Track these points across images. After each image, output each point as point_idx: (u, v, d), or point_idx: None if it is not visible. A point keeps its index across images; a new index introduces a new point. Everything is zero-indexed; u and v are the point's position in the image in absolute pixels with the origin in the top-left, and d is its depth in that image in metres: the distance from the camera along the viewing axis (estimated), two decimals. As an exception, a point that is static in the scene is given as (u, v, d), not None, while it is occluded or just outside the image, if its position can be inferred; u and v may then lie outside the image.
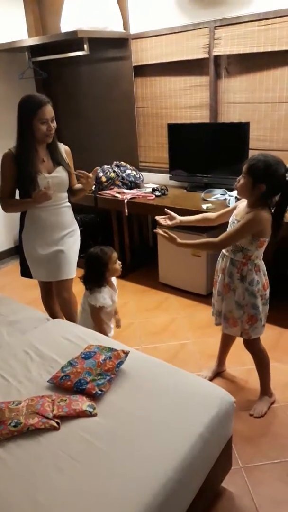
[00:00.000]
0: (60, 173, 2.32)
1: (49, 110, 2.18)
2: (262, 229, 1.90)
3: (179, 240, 1.98)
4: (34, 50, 3.95)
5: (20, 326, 2.16)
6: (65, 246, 2.41)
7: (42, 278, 2.51)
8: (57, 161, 2.32)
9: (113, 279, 2.39)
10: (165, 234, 1.98)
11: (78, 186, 2.48)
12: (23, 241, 2.46)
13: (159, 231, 2.01)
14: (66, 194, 2.41)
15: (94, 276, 2.25)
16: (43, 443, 1.42)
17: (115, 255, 2.29)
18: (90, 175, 2.34)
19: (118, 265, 2.31)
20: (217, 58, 3.22)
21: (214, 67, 3.24)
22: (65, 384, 1.67)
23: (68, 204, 2.45)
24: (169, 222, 2.16)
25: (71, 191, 2.46)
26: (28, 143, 2.21)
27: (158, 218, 2.17)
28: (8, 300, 2.49)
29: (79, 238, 2.55)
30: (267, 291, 2.07)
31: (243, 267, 1.99)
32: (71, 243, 2.45)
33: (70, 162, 2.43)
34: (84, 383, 1.64)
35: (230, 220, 2.05)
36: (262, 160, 1.84)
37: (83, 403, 1.55)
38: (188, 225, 2.25)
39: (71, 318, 2.48)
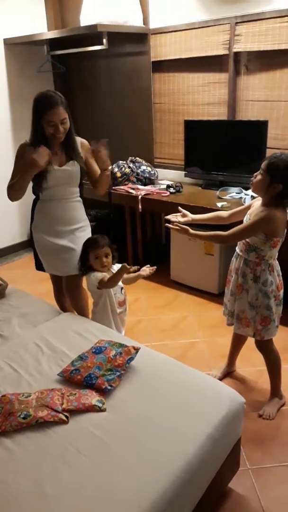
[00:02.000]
0: (71, 167, 2.27)
1: (58, 113, 2.11)
2: (274, 229, 1.87)
3: (191, 231, 1.99)
4: (53, 43, 3.95)
5: (31, 319, 2.17)
6: (75, 241, 2.38)
7: (53, 271, 2.50)
8: (70, 155, 2.28)
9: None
10: (177, 227, 1.99)
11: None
12: (33, 234, 2.46)
13: (170, 225, 2.02)
14: (77, 189, 2.37)
15: (82, 259, 2.25)
16: (51, 436, 1.42)
17: (101, 251, 2.17)
18: (100, 149, 2.22)
19: (101, 263, 2.17)
20: (237, 54, 3.18)
21: (233, 64, 3.20)
22: (75, 378, 1.67)
23: (79, 199, 2.41)
24: (180, 219, 2.15)
25: (94, 183, 2.41)
26: (39, 138, 2.19)
27: (169, 216, 2.16)
28: (21, 292, 2.51)
29: (90, 234, 2.51)
30: (281, 292, 2.04)
31: (256, 267, 1.97)
32: (81, 238, 2.42)
33: (89, 157, 2.36)
34: (94, 378, 1.64)
35: (245, 219, 2.03)
36: (284, 159, 1.81)
37: (92, 398, 1.55)
38: (201, 223, 2.23)
39: (81, 313, 2.48)
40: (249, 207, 2.06)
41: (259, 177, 1.87)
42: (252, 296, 2.00)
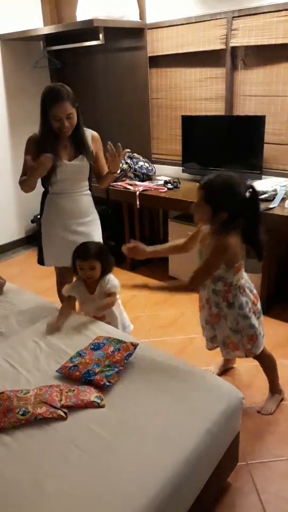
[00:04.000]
0: (80, 162, 2.28)
1: (63, 108, 2.10)
2: (233, 256, 1.75)
3: (151, 284, 1.92)
4: (49, 39, 3.93)
5: (30, 316, 2.16)
6: (86, 234, 2.41)
7: (61, 264, 2.47)
8: (80, 150, 2.28)
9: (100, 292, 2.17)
10: (134, 286, 1.84)
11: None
12: (42, 226, 2.47)
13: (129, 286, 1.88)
14: (86, 183, 2.39)
15: (73, 263, 2.15)
16: (50, 432, 1.42)
17: (86, 264, 2.07)
18: (117, 154, 2.24)
19: (85, 275, 2.09)
20: (234, 49, 3.17)
21: (230, 59, 3.19)
22: (73, 374, 1.67)
23: (88, 192, 2.43)
24: (138, 257, 2.03)
25: (99, 178, 2.44)
26: (47, 131, 2.19)
27: (124, 248, 2.01)
28: (19, 290, 2.50)
29: (100, 227, 2.54)
30: (258, 303, 1.95)
31: (227, 295, 1.86)
32: (92, 231, 2.45)
33: (99, 148, 2.38)
34: (93, 374, 1.64)
35: (198, 248, 1.90)
36: (221, 183, 1.65)
37: (91, 394, 1.55)
38: (159, 256, 2.17)
39: None
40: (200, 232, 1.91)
41: (199, 208, 1.70)
42: (232, 322, 1.89)
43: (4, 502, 1.21)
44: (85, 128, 2.32)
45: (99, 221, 2.53)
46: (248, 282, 1.93)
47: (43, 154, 2.10)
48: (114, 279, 2.17)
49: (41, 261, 2.54)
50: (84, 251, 2.10)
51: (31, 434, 1.42)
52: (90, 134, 2.35)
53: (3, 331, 2.06)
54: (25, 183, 2.21)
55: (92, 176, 2.43)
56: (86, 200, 2.42)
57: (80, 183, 2.35)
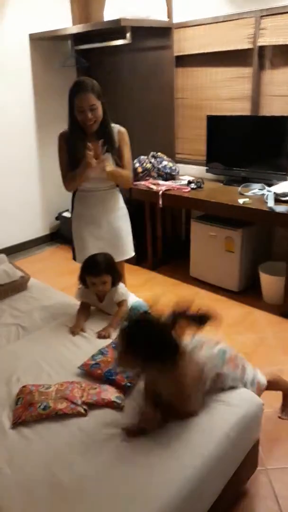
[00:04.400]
0: (106, 160, 2.25)
1: (86, 99, 2.10)
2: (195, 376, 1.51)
3: None
4: (77, 38, 3.97)
5: (53, 312, 2.20)
6: (115, 230, 2.44)
7: None
8: (106, 147, 2.25)
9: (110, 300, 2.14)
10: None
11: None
12: (72, 223, 2.51)
13: None
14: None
15: (81, 275, 2.12)
16: (70, 428, 1.44)
17: (98, 279, 2.03)
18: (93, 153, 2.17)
19: (97, 290, 2.07)
20: (261, 49, 3.13)
21: (258, 58, 3.15)
22: (95, 372, 1.68)
23: (116, 188, 2.44)
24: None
25: None
26: (73, 126, 2.22)
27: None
28: (42, 285, 2.54)
29: (129, 223, 2.55)
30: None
31: None
32: (120, 227, 2.48)
33: (122, 143, 2.35)
34: (114, 374, 1.65)
35: None
36: (141, 333, 1.38)
37: (112, 394, 1.56)
38: None
39: None
40: None
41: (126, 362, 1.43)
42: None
43: (22, 493, 1.23)
44: (113, 125, 2.31)
45: (128, 217, 2.54)
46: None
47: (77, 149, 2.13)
48: (121, 287, 2.15)
49: (75, 257, 2.57)
50: (94, 266, 2.06)
51: (51, 429, 1.44)
52: (117, 129, 2.33)
53: (27, 325, 2.10)
54: (72, 182, 2.29)
55: None
56: (114, 196, 2.44)
57: (107, 180, 2.35)
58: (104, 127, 2.24)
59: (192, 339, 1.72)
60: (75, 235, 2.52)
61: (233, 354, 1.66)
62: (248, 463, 1.64)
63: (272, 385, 1.86)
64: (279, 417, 2.07)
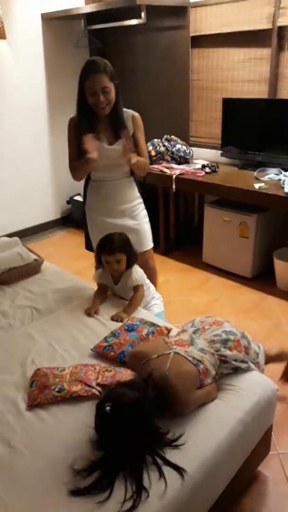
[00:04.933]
0: (119, 146, 2.12)
1: (99, 80, 1.98)
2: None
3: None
4: (90, 18, 3.89)
5: (66, 295, 2.20)
6: (130, 220, 2.34)
7: None
8: (119, 133, 2.13)
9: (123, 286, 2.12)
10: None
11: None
12: (86, 213, 2.42)
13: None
14: (126, 168, 2.26)
15: (97, 255, 2.12)
16: (85, 410, 1.44)
17: (112, 258, 2.02)
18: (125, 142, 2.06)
19: (112, 269, 2.05)
20: (281, 29, 3.03)
21: (277, 39, 3.06)
22: (108, 354, 1.69)
23: (131, 177, 2.32)
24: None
25: None
26: (83, 110, 2.11)
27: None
28: (56, 268, 2.54)
29: (145, 214, 2.43)
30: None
31: None
32: (136, 217, 2.37)
33: (137, 130, 2.23)
34: (127, 356, 1.65)
35: None
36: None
37: (127, 376, 1.55)
38: None
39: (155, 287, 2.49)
40: None
41: None
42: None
43: (40, 473, 1.24)
44: (125, 109, 2.21)
45: (143, 208, 2.42)
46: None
47: (85, 137, 2.02)
48: (137, 271, 2.11)
49: (88, 247, 2.52)
50: (109, 244, 2.03)
51: (66, 410, 1.45)
52: (130, 114, 2.22)
53: (41, 308, 2.10)
54: (78, 172, 2.21)
55: None
56: (128, 186, 2.32)
57: (121, 169, 2.25)
58: (116, 111, 2.12)
59: (193, 322, 1.72)
60: (90, 227, 2.42)
61: (238, 335, 1.63)
62: (261, 447, 1.65)
63: (279, 358, 1.87)
64: (279, 381, 2.03)
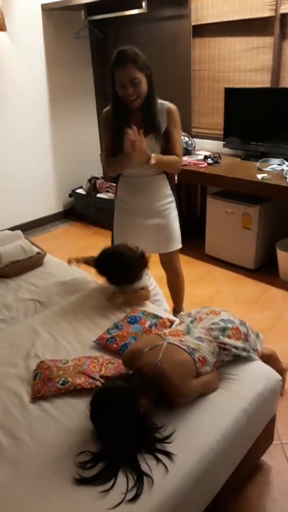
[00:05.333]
0: (150, 141, 2.02)
1: (126, 72, 1.88)
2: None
3: None
4: (91, 8, 3.85)
5: (69, 287, 2.20)
6: (163, 219, 2.25)
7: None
8: (150, 127, 2.02)
9: None
10: None
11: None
12: (115, 208, 2.34)
13: None
14: None
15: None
16: (88, 402, 1.44)
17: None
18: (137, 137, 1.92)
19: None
20: (283, 16, 2.99)
21: (279, 27, 3.02)
22: (111, 346, 1.69)
23: (162, 174, 2.20)
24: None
25: None
26: (116, 103, 2.01)
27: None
28: (58, 261, 2.54)
29: (176, 214, 2.33)
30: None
31: None
32: (165, 219, 2.27)
33: (171, 124, 2.09)
34: (130, 348, 1.65)
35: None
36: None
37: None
38: None
39: (179, 290, 2.47)
40: None
41: None
42: None
43: (45, 464, 1.25)
44: (160, 101, 2.06)
45: (175, 207, 2.30)
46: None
47: (129, 129, 1.89)
48: (145, 282, 2.05)
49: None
50: (121, 55, 1.89)
51: (70, 403, 1.46)
52: (166, 107, 2.07)
53: (44, 301, 2.11)
54: (114, 167, 2.12)
55: None
56: (160, 183, 2.21)
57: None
58: (148, 105, 1.99)
59: (190, 313, 1.72)
60: (116, 224, 2.35)
61: (236, 323, 1.63)
62: (265, 436, 1.65)
63: (266, 360, 1.85)
64: None
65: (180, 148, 2.16)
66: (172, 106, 2.10)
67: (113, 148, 2.08)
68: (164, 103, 2.09)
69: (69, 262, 2.24)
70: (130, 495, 1.15)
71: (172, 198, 2.29)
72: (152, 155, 2.00)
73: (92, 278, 2.32)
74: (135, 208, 2.26)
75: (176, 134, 2.11)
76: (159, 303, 2.24)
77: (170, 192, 2.28)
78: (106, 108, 2.11)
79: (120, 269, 1.95)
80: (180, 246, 2.41)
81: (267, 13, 3.03)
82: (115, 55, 1.92)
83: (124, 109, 2.02)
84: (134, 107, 2.00)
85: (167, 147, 2.10)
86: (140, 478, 1.18)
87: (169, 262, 2.41)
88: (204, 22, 3.40)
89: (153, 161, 1.99)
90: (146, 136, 1.99)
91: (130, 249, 1.98)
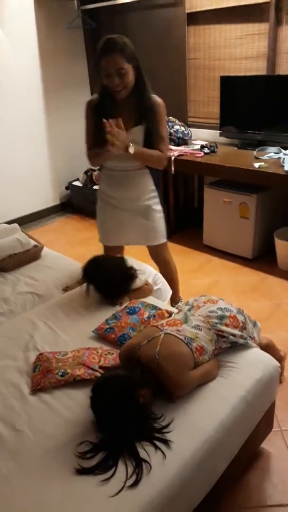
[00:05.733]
0: (135, 133, 1.99)
1: (112, 61, 1.82)
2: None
3: None
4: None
5: (67, 280, 2.20)
6: (147, 214, 2.22)
7: (112, 242, 2.34)
8: (136, 119, 1.99)
9: None
10: None
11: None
12: (98, 200, 2.30)
13: None
14: None
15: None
16: (88, 393, 1.44)
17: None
18: (115, 128, 1.87)
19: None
20: (279, 2, 2.95)
21: (274, 13, 2.98)
22: (109, 336, 1.70)
23: (145, 169, 2.15)
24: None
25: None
26: (103, 92, 1.96)
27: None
28: (56, 254, 2.54)
29: (159, 210, 2.28)
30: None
31: None
32: (150, 208, 2.22)
33: (158, 118, 2.05)
34: (128, 338, 1.66)
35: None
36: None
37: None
38: None
39: (172, 280, 2.45)
40: None
41: None
42: None
43: (45, 456, 1.26)
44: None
45: (158, 203, 2.25)
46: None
47: (105, 122, 1.85)
48: (140, 278, 2.02)
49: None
50: (108, 43, 1.83)
51: (70, 394, 1.46)
52: (152, 100, 2.04)
53: (42, 293, 2.11)
54: (96, 160, 2.09)
55: None
56: (141, 178, 2.17)
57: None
58: (137, 95, 1.95)
59: (188, 302, 1.72)
60: (99, 217, 2.32)
61: (234, 311, 1.62)
62: (264, 424, 1.66)
63: (264, 349, 1.85)
64: None
65: (165, 144, 2.11)
66: (159, 100, 2.05)
67: (96, 139, 2.01)
68: (152, 96, 2.05)
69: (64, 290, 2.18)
70: (130, 481, 1.16)
71: (155, 193, 2.24)
72: (131, 144, 1.94)
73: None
74: (117, 202, 2.22)
75: (162, 129, 2.07)
76: (160, 292, 2.25)
77: (154, 187, 2.22)
78: (89, 99, 2.06)
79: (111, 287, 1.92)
80: (165, 240, 2.37)
81: (262, -2, 3.00)
82: (103, 43, 1.86)
83: (111, 100, 1.98)
84: (119, 98, 1.96)
85: (151, 142, 2.05)
86: (139, 464, 1.19)
87: (157, 255, 2.41)
88: (198, 9, 3.36)
89: (131, 150, 1.92)
90: (133, 127, 1.97)
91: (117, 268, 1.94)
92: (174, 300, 2.59)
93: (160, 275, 2.33)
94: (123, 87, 1.91)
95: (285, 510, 1.56)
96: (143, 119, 2.01)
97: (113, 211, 2.24)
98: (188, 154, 3.26)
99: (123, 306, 1.89)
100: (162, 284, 2.31)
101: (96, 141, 2.03)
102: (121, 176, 2.15)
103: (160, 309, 1.86)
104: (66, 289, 2.16)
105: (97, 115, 1.97)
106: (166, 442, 1.26)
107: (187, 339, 1.45)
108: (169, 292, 2.34)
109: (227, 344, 1.56)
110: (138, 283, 2.00)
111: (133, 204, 2.21)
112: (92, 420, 1.34)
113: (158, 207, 2.27)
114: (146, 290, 2.04)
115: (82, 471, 1.19)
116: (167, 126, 3.49)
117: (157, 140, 2.05)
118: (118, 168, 2.14)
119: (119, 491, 1.14)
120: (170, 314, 1.83)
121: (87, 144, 2.10)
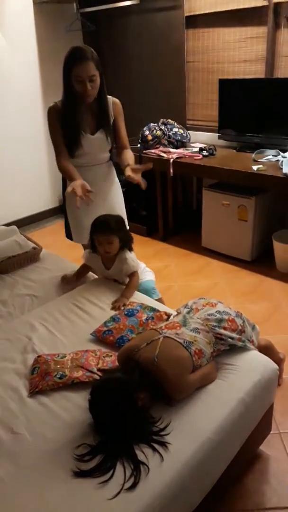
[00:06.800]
0: (101, 135, 2.16)
1: (86, 68, 1.96)
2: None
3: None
4: (83, 0, 3.82)
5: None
6: (111, 205, 2.32)
7: (85, 240, 2.37)
8: (101, 122, 2.15)
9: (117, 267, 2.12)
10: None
11: (127, 163, 2.13)
12: (66, 201, 2.38)
13: None
14: (107, 154, 2.28)
15: (90, 236, 2.09)
16: (86, 395, 1.44)
17: (104, 238, 2.01)
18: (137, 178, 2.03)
19: (103, 249, 2.03)
20: (277, 6, 2.97)
21: (273, 16, 3.00)
22: (107, 338, 1.70)
23: (109, 162, 2.32)
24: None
25: (119, 150, 2.26)
26: (69, 98, 2.08)
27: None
28: (55, 256, 2.54)
29: (121, 196, 2.44)
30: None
31: None
32: (113, 201, 2.36)
33: (118, 116, 2.23)
34: (127, 341, 1.66)
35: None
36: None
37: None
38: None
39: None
40: None
41: None
42: None
43: (44, 458, 1.26)
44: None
45: (120, 191, 2.43)
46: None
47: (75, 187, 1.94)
48: (133, 258, 2.09)
49: (69, 235, 2.50)
50: (102, 225, 2.01)
51: (68, 397, 1.46)
52: (111, 101, 2.20)
53: (40, 296, 2.11)
54: (62, 173, 2.20)
55: (113, 147, 2.29)
56: (109, 170, 2.33)
57: (102, 155, 2.26)
58: (100, 102, 2.11)
59: (187, 304, 1.72)
60: (70, 215, 2.40)
61: (232, 314, 1.63)
62: (263, 426, 1.66)
63: (263, 351, 1.85)
64: None
65: (127, 139, 2.30)
66: (117, 100, 2.23)
67: (68, 140, 2.13)
68: (109, 97, 2.19)
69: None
70: (128, 484, 1.16)
71: (117, 184, 2.42)
72: (127, 167, 2.06)
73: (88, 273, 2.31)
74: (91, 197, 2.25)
75: (123, 127, 2.26)
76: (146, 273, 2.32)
77: (117, 179, 2.41)
78: (51, 105, 2.15)
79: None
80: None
81: (260, 2, 3.01)
82: (73, 51, 2.00)
83: (77, 104, 2.09)
84: (88, 102, 2.08)
85: (116, 140, 2.24)
86: (137, 467, 1.19)
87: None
88: (197, 12, 3.37)
89: (128, 173, 2.03)
90: (97, 131, 2.15)
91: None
92: None
93: (147, 268, 2.37)
94: (93, 92, 2.05)
95: (284, 513, 1.56)
96: (106, 121, 2.17)
97: (86, 208, 2.25)
98: (187, 156, 3.27)
99: (122, 308, 1.90)
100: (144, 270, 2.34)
101: (66, 142, 2.15)
102: (89, 171, 2.25)
103: (158, 311, 1.86)
104: (64, 278, 2.23)
105: (63, 121, 2.11)
106: (164, 444, 1.26)
107: (186, 342, 1.45)
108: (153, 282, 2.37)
109: (225, 346, 1.56)
110: (133, 264, 2.09)
111: (102, 198, 2.31)
112: (90, 422, 1.33)
113: (122, 198, 2.46)
114: (135, 283, 2.10)
115: (80, 474, 1.19)
116: (166, 129, 3.51)
117: (122, 137, 2.25)
118: (85, 164, 2.23)
119: (117, 494, 1.13)
120: (168, 316, 1.83)
121: (56, 149, 2.18)
